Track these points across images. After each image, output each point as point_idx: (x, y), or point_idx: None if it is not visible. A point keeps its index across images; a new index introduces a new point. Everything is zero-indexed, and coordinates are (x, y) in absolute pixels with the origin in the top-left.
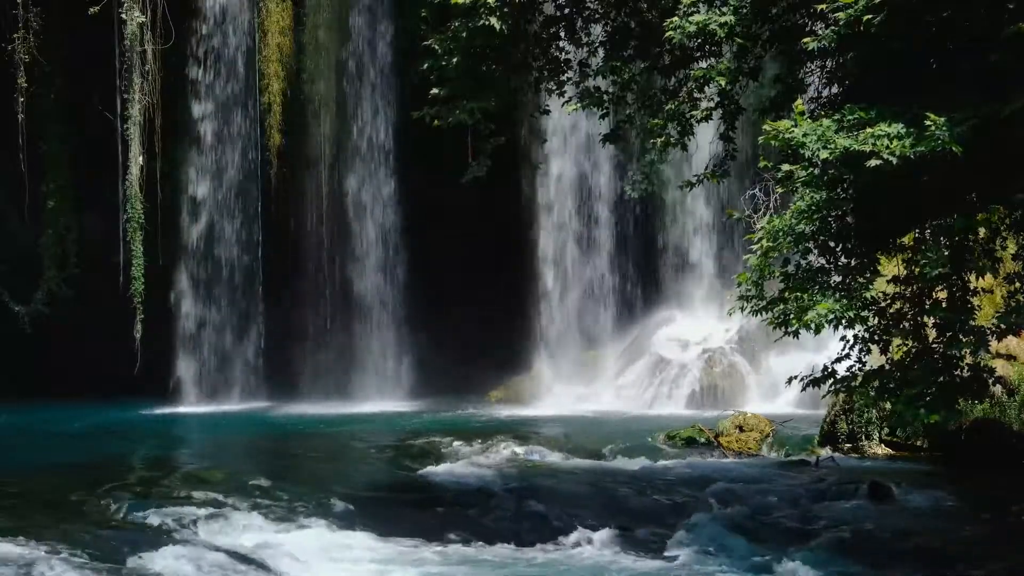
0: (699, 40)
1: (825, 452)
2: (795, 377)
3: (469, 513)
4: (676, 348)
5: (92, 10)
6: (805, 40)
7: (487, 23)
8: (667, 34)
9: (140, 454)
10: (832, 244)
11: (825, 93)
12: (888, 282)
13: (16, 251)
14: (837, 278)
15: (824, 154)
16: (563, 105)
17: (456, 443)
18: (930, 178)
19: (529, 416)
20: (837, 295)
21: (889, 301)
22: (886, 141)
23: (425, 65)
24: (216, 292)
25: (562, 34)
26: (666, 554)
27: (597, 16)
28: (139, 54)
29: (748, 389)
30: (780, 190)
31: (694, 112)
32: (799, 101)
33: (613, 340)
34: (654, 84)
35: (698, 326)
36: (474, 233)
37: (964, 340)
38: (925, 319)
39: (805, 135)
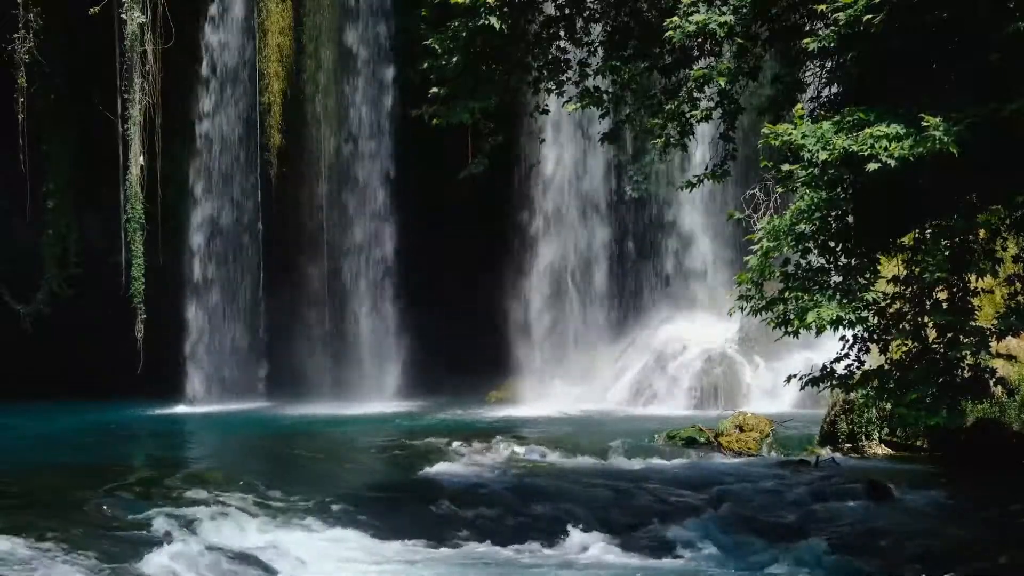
0: (699, 40)
1: (825, 452)
2: (794, 375)
3: (469, 513)
4: (676, 348)
5: (92, 10)
6: (805, 40)
7: (487, 23)
8: (667, 34)
9: (141, 454)
10: (832, 244)
11: (825, 93)
12: (888, 282)
13: (17, 251)
14: (837, 278)
15: (823, 155)
16: (563, 105)
17: (456, 443)
18: (930, 179)
19: (529, 416)
20: (837, 296)
21: (889, 301)
22: (885, 143)
23: (425, 65)
24: (217, 292)
25: (562, 34)
26: (666, 554)
27: (597, 16)
28: (139, 54)
29: (748, 389)
30: (780, 190)
31: (694, 112)
32: (799, 105)
33: (613, 340)
34: (654, 84)
35: (698, 326)
36: (474, 232)
37: (965, 342)
38: (925, 319)
39: (804, 136)
